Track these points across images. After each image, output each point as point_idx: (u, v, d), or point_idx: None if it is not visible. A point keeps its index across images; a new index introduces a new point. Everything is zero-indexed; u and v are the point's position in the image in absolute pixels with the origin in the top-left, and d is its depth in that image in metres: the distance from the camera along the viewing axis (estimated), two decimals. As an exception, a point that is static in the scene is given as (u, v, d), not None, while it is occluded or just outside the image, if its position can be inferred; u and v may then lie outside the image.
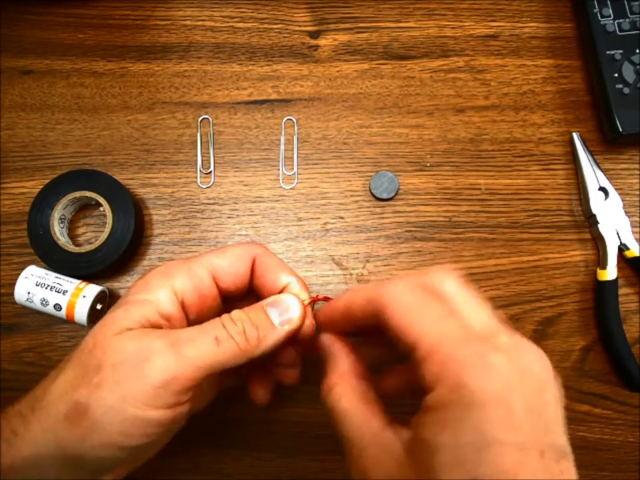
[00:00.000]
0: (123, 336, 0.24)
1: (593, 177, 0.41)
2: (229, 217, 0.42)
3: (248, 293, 0.30)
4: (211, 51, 0.45)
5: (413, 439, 0.21)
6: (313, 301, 0.29)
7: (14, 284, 0.38)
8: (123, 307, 0.26)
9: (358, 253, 0.41)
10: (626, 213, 0.41)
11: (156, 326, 0.25)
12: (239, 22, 0.46)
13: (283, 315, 0.27)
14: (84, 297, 0.37)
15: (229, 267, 0.28)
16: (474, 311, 0.22)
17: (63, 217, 0.40)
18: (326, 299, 0.30)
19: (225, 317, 0.26)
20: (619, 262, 0.40)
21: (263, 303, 0.27)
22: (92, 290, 0.38)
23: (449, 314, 0.22)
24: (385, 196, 0.42)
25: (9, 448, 0.24)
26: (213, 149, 0.43)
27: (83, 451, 0.23)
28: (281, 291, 0.29)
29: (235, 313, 0.26)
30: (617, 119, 0.41)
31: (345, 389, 0.25)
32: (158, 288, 0.26)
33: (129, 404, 0.23)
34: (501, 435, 0.18)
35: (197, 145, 0.43)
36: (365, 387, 0.25)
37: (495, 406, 0.19)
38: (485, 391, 0.19)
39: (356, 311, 0.26)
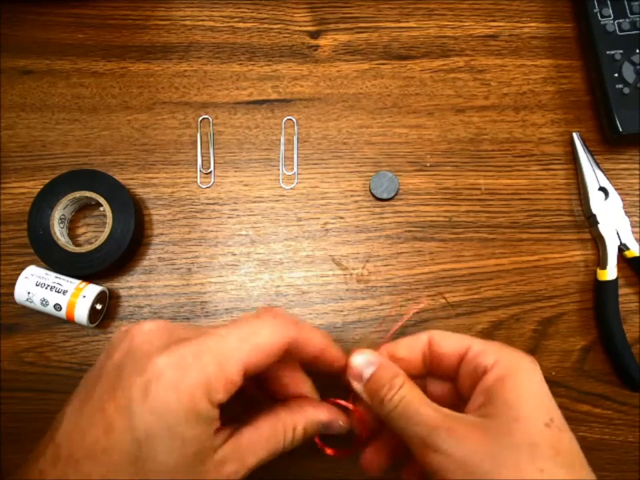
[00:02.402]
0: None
1: (593, 177, 0.41)
2: (229, 217, 0.42)
3: None
4: (210, 50, 0.45)
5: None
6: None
7: (14, 284, 0.38)
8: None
9: (358, 253, 0.41)
10: (626, 213, 0.41)
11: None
12: (239, 22, 0.46)
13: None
14: (84, 297, 0.37)
15: (262, 363, 0.25)
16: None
17: (63, 216, 0.40)
18: (357, 413, 0.30)
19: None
20: (619, 262, 0.40)
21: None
22: (92, 290, 0.38)
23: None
24: (385, 196, 0.42)
25: None
26: (213, 149, 0.43)
27: None
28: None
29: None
30: (616, 119, 0.41)
31: (413, 390, 0.26)
32: (208, 411, 0.23)
33: None
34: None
35: (197, 145, 0.43)
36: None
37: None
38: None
39: (444, 358, 0.28)
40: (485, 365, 0.26)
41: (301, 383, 0.29)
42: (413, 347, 0.29)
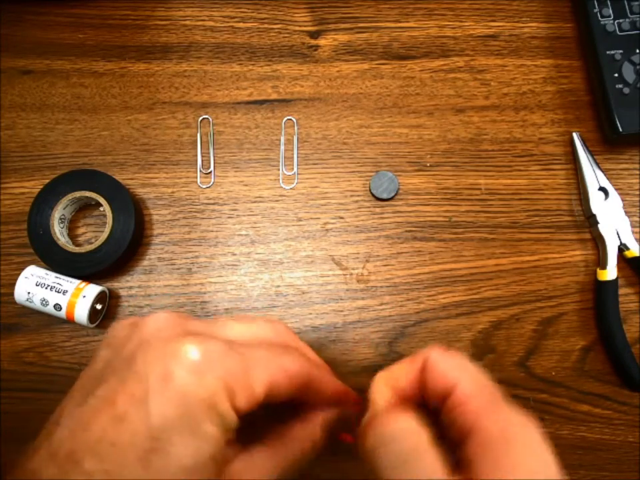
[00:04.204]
0: None
1: (593, 177, 0.41)
2: (229, 217, 0.42)
3: None
4: (210, 50, 0.45)
5: None
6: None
7: (14, 284, 0.38)
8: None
9: (358, 253, 0.41)
10: (626, 213, 0.41)
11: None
12: (239, 22, 0.46)
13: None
14: (84, 297, 0.37)
15: (285, 388, 0.23)
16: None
17: (63, 217, 0.40)
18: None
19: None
20: (619, 262, 0.40)
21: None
22: (92, 290, 0.38)
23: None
24: (385, 196, 0.42)
25: None
26: (213, 149, 0.43)
27: None
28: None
29: None
30: (616, 119, 0.41)
31: (422, 428, 0.21)
32: (227, 413, 0.21)
33: None
34: None
35: (197, 145, 0.43)
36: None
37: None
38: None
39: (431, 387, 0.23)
40: (465, 425, 0.21)
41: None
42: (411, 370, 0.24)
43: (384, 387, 0.24)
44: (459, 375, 0.22)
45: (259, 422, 0.26)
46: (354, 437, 0.28)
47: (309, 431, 0.25)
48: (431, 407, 0.23)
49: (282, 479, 0.23)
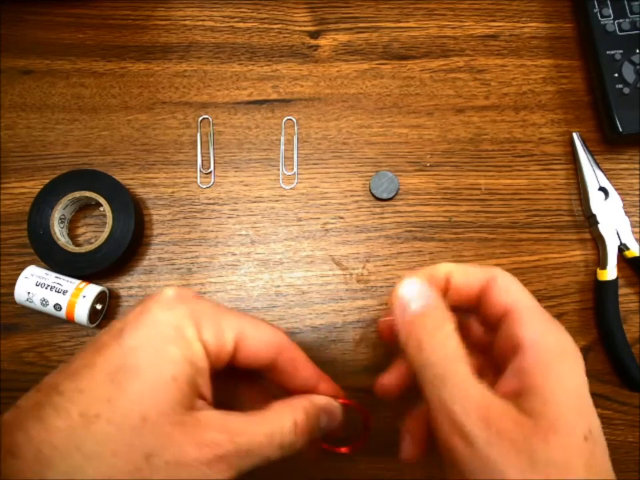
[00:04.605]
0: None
1: (593, 177, 0.41)
2: (229, 217, 0.42)
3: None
4: (210, 50, 0.45)
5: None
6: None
7: (14, 284, 0.38)
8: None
9: (358, 253, 0.41)
10: (626, 213, 0.41)
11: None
12: (239, 22, 0.46)
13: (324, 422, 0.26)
14: (84, 297, 0.37)
15: (258, 339, 0.24)
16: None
17: (62, 216, 0.40)
18: (353, 404, 0.29)
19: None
20: (619, 262, 0.40)
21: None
22: (92, 290, 0.38)
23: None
24: (385, 196, 0.42)
25: None
26: (213, 149, 0.43)
27: None
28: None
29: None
30: (617, 119, 0.41)
31: (457, 348, 0.23)
32: (193, 340, 0.22)
33: None
34: None
35: (197, 145, 0.43)
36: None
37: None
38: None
39: (460, 288, 0.25)
40: (521, 338, 0.23)
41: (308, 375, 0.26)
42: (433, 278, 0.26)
43: (426, 288, 0.25)
44: (522, 294, 0.25)
45: (240, 395, 0.27)
46: (350, 448, 0.28)
47: (291, 408, 0.24)
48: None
49: (256, 457, 0.22)
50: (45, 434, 0.19)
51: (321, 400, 0.26)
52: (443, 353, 0.22)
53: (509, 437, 0.20)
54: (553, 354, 0.22)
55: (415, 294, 0.24)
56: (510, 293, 0.25)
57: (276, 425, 0.23)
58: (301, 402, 0.25)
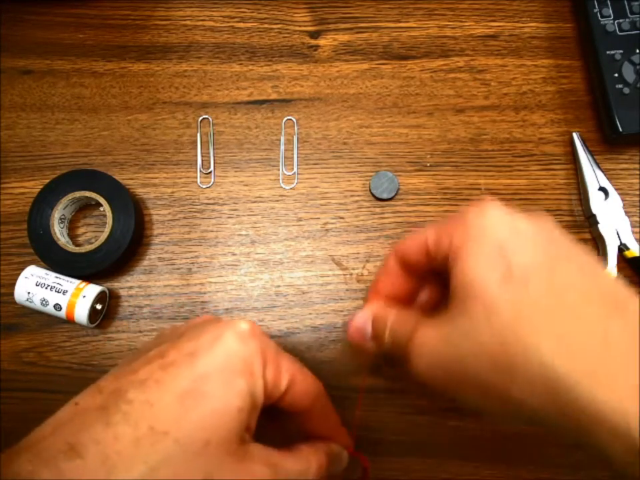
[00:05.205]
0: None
1: (593, 177, 0.41)
2: (229, 217, 0.42)
3: None
4: (210, 50, 0.45)
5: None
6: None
7: (14, 284, 0.38)
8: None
9: (358, 253, 0.41)
10: (626, 213, 0.41)
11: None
12: (239, 22, 0.46)
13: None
14: (84, 297, 0.37)
15: (305, 386, 0.26)
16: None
17: (62, 217, 0.40)
18: (359, 456, 0.31)
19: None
20: (619, 262, 0.40)
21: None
22: (92, 290, 0.38)
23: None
24: (385, 196, 0.42)
25: None
26: (213, 149, 0.43)
27: None
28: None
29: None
30: (617, 119, 0.41)
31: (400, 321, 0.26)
32: (258, 377, 0.23)
33: None
34: None
35: (197, 145, 0.43)
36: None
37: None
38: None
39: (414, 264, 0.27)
40: (443, 249, 0.25)
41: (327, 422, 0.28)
42: (390, 272, 0.28)
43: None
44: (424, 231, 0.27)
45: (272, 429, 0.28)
46: None
47: (316, 452, 0.26)
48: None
49: None
50: (113, 440, 0.20)
51: (336, 448, 0.28)
52: (391, 335, 0.26)
53: (434, 343, 0.24)
54: (460, 233, 0.24)
55: (362, 323, 0.28)
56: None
57: (305, 464, 0.25)
58: (324, 448, 0.27)
